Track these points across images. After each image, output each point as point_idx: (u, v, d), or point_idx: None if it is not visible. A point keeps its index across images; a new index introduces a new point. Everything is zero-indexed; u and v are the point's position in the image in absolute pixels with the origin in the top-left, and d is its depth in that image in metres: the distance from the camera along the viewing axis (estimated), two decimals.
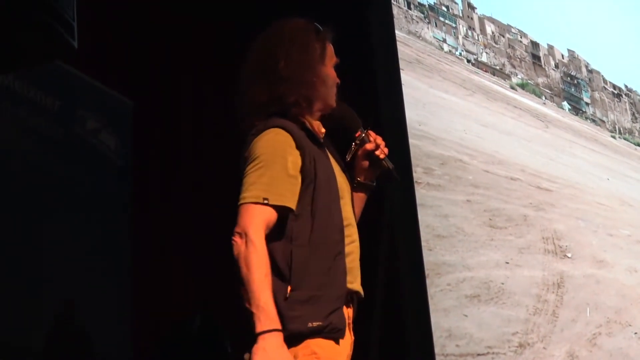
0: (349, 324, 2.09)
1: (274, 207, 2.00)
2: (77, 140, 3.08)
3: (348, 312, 2.09)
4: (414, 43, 3.94)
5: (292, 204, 2.02)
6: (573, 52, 5.35)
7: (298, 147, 2.07)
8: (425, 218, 3.42)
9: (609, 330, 4.01)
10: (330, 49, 2.22)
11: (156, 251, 3.49)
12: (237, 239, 1.97)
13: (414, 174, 3.46)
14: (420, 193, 3.45)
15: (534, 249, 3.89)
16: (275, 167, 2.05)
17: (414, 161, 3.48)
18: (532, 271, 3.80)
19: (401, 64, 3.70)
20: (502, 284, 3.61)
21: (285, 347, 1.92)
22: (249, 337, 1.90)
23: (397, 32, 3.76)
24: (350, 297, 2.11)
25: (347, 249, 2.12)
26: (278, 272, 1.98)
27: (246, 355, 1.93)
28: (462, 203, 3.68)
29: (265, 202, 1.98)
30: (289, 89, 2.12)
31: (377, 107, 3.54)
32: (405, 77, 3.70)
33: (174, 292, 3.51)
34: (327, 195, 2.10)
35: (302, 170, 2.06)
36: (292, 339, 1.95)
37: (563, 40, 5.25)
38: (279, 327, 1.90)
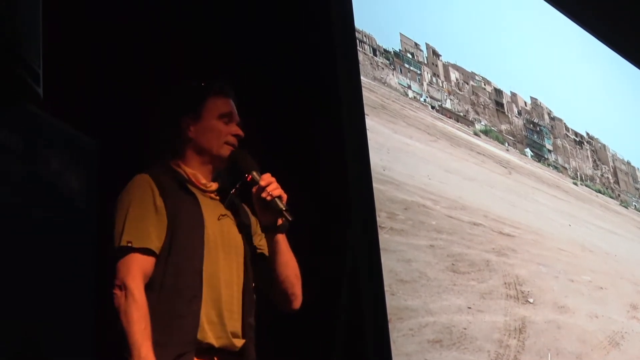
0: None
1: (142, 250, 2.06)
2: (41, 180, 3.06)
3: None
4: (379, 89, 3.98)
5: (154, 245, 2.08)
6: (536, 99, 5.43)
7: (160, 190, 2.15)
8: (388, 263, 3.43)
9: None
10: (213, 104, 2.35)
11: None
12: (117, 291, 2.03)
13: (378, 219, 3.48)
14: (383, 238, 3.46)
15: (496, 294, 3.91)
16: (139, 209, 2.11)
17: (377, 206, 3.50)
18: (494, 316, 3.81)
19: (366, 110, 3.73)
20: (465, 329, 3.62)
21: None
22: None
23: (362, 78, 3.80)
24: (210, 350, 2.12)
25: (208, 300, 2.14)
26: None
27: None
28: (425, 248, 3.69)
29: (129, 244, 2.04)
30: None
31: (343, 151, 3.57)
32: (370, 122, 3.73)
33: None
34: (185, 240, 2.14)
35: (166, 213, 2.13)
36: None
37: (526, 87, 5.33)
38: None
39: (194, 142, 2.31)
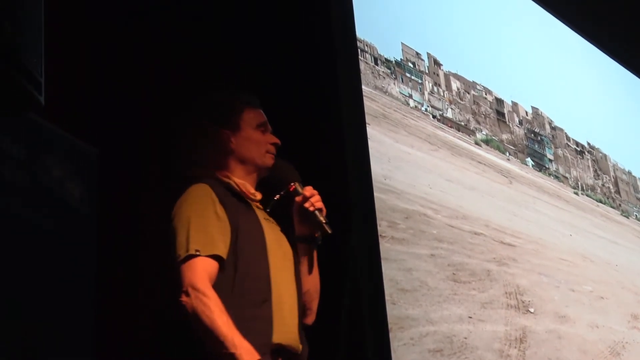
0: None
1: (208, 257, 2.06)
2: (43, 188, 3.07)
3: None
4: (380, 98, 3.98)
5: (221, 251, 2.08)
6: (537, 109, 5.43)
7: (220, 199, 2.16)
8: (389, 272, 3.43)
9: None
10: (249, 115, 2.37)
11: (121, 300, 3.46)
12: (184, 297, 2.01)
13: (379, 228, 3.48)
14: (384, 247, 3.46)
15: (496, 304, 3.90)
16: (202, 218, 2.11)
17: (378, 215, 3.49)
18: (494, 326, 3.80)
19: (367, 119, 3.73)
20: (465, 338, 3.61)
21: None
22: None
23: (363, 87, 3.80)
24: (278, 351, 2.13)
25: (276, 303, 2.14)
26: None
27: None
28: (426, 257, 3.69)
29: (197, 253, 2.04)
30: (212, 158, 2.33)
31: (344, 160, 3.57)
32: (371, 131, 3.73)
33: (140, 339, 3.48)
34: (250, 246, 2.16)
35: (228, 219, 2.13)
36: None
37: (527, 97, 5.34)
38: (260, 357, 1.95)
39: (235, 154, 2.35)
